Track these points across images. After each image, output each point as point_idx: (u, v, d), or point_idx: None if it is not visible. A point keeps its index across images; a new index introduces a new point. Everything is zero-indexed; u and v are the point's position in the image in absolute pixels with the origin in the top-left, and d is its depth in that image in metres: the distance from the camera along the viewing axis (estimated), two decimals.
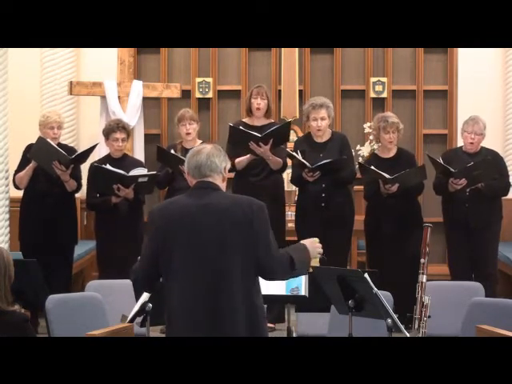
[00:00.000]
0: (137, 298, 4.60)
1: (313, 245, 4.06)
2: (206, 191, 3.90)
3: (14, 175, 7.17)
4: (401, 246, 6.89)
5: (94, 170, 6.97)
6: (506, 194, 7.19)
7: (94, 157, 7.58)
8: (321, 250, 4.08)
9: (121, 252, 6.85)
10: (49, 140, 7.00)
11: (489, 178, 6.94)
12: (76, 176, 7.13)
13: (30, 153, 7.05)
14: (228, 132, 6.97)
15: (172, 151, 7.08)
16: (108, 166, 6.89)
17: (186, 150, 7.13)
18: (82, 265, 8.22)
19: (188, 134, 7.17)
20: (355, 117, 9.16)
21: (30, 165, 7.06)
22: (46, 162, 6.97)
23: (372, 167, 6.97)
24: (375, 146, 8.60)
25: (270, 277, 3.94)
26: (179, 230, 3.84)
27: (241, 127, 7.00)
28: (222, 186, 3.96)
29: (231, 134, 6.88)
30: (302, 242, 4.06)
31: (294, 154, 6.92)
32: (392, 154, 7.14)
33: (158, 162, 7.31)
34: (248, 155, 6.94)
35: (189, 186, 7.21)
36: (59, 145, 7.14)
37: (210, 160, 3.92)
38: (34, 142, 7.11)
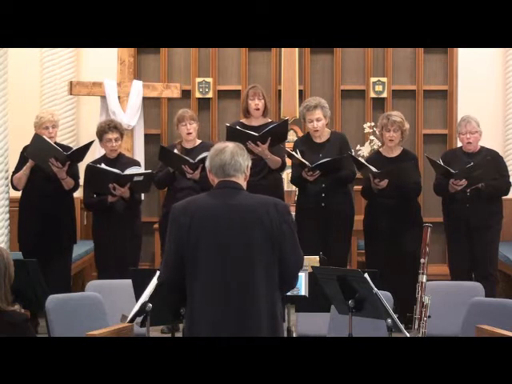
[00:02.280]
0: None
1: None
2: (230, 191, 3.88)
3: (12, 176, 7.18)
4: (400, 246, 6.88)
5: (90, 169, 6.97)
6: (507, 193, 7.19)
7: (95, 156, 7.58)
8: None
9: (118, 252, 6.87)
10: (44, 137, 7.00)
11: (489, 178, 6.94)
12: (73, 174, 7.12)
13: (26, 151, 7.06)
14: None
15: (176, 151, 7.08)
16: (103, 166, 6.89)
17: (185, 150, 7.14)
18: (81, 265, 8.22)
19: (189, 133, 7.17)
20: (355, 117, 9.16)
21: (28, 164, 7.07)
22: (42, 160, 6.97)
23: (360, 159, 6.98)
24: (375, 146, 8.60)
25: (292, 276, 3.93)
26: (203, 228, 3.82)
27: (237, 127, 7.00)
28: (244, 184, 3.95)
29: (228, 134, 6.87)
30: None
31: (294, 153, 6.92)
32: (396, 153, 7.12)
33: (158, 162, 7.31)
34: None
35: (190, 185, 7.22)
36: (56, 144, 7.13)
37: (235, 159, 3.89)
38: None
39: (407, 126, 7.11)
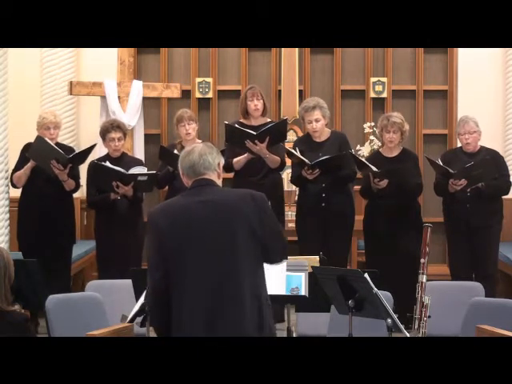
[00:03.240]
0: (153, 321, 4.20)
1: None
2: (204, 188, 3.88)
3: (12, 174, 7.19)
4: (400, 246, 6.88)
5: (94, 167, 6.99)
6: (507, 193, 7.19)
7: (96, 155, 7.58)
8: None
9: (120, 251, 6.87)
10: (47, 139, 7.01)
11: (489, 178, 6.95)
12: (74, 175, 7.13)
13: (28, 152, 7.07)
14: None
15: (175, 151, 7.09)
16: (108, 164, 6.91)
17: None
18: (81, 265, 8.22)
19: (188, 133, 7.18)
20: (355, 117, 9.16)
21: (28, 164, 7.07)
22: (43, 162, 6.97)
23: (361, 158, 6.98)
24: (375, 146, 8.60)
25: (276, 262, 3.97)
26: (185, 229, 3.80)
27: (236, 125, 7.00)
28: (218, 182, 3.95)
29: (227, 132, 6.89)
30: None
31: (293, 150, 6.92)
32: (395, 153, 7.12)
33: (158, 162, 7.32)
34: (246, 154, 6.94)
35: None
36: (57, 144, 7.15)
37: (203, 158, 3.90)
38: (32, 141, 7.11)
39: (407, 127, 7.11)
